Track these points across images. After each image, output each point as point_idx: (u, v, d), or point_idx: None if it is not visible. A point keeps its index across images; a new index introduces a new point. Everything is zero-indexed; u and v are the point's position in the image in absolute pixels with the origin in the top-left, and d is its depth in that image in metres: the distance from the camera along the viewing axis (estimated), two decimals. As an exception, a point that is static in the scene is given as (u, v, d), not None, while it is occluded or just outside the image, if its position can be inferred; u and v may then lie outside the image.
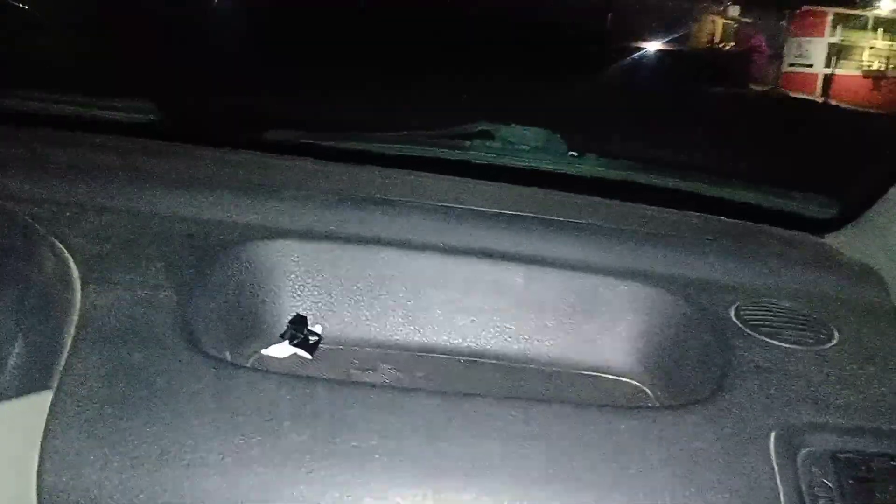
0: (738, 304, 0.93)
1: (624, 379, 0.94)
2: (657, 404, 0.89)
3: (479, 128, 1.26)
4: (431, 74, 1.26)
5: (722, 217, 1.14)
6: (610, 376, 0.95)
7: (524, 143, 1.26)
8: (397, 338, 0.96)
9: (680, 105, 1.20)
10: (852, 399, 0.79)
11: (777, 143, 1.16)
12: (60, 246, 0.84)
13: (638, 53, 1.25)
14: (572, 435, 0.72)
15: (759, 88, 1.25)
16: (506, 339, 0.97)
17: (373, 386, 0.81)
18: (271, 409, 0.70)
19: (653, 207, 1.14)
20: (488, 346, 0.96)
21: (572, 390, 0.92)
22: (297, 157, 1.14)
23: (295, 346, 0.91)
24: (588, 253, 1.01)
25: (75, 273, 0.81)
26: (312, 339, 0.92)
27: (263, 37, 1.36)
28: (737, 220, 1.13)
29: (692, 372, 0.88)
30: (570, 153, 1.24)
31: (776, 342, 0.87)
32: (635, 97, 1.22)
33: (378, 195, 1.07)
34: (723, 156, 1.19)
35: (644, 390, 0.93)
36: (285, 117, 1.22)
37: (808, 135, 1.15)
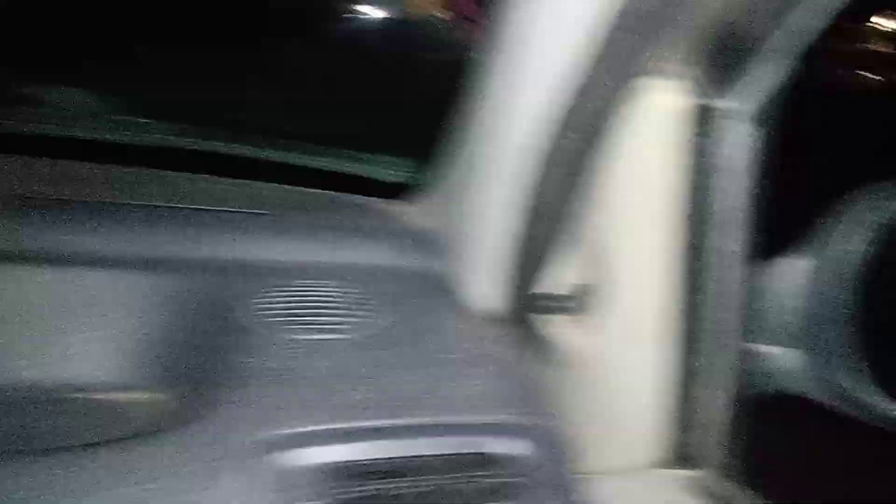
0: (265, 290, 0.80)
1: (144, 395, 0.77)
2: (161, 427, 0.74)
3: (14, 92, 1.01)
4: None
5: (296, 186, 1.01)
6: (126, 394, 0.77)
7: (77, 107, 1.02)
8: None
9: (250, 63, 1.04)
10: (369, 396, 0.69)
11: (355, 105, 1.05)
12: None
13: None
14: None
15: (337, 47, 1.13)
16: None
17: None
18: None
19: (213, 178, 0.97)
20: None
21: (82, 418, 0.73)
22: None
23: None
24: (96, 241, 0.81)
25: None
26: None
27: None
28: (309, 190, 1.01)
29: (202, 381, 0.73)
30: (138, 119, 1.03)
31: (299, 335, 0.75)
32: (193, 55, 1.03)
33: None
34: (297, 118, 1.05)
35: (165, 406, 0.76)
36: None
37: (388, 94, 1.05)
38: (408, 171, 1.02)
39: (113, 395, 0.77)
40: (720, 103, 0.60)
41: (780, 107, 0.62)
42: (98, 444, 0.62)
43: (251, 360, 0.71)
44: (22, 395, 0.74)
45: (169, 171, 0.95)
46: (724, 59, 0.58)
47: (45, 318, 0.76)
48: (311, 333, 0.75)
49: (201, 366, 0.74)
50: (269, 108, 1.03)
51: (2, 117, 0.98)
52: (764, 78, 0.58)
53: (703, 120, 0.61)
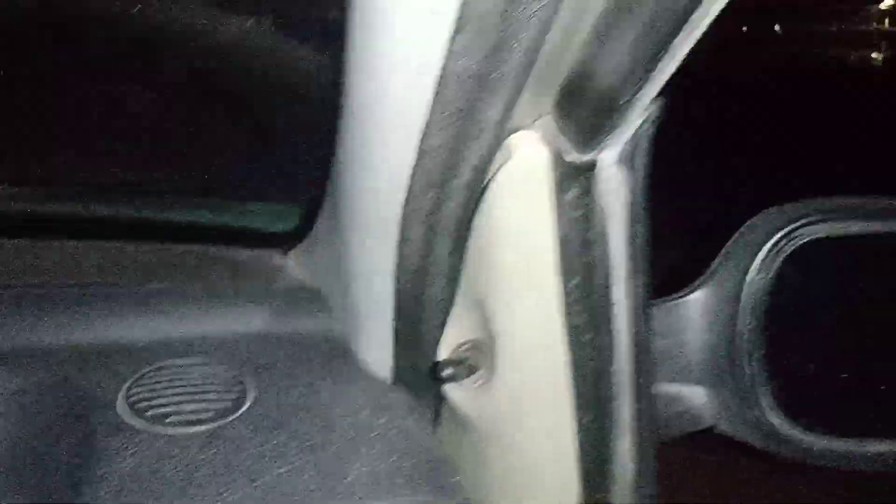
0: (135, 377, 0.72)
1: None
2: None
3: None
4: None
5: (171, 245, 0.92)
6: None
7: None
8: None
9: (108, 109, 0.94)
10: (253, 495, 0.62)
11: (235, 148, 0.97)
12: None
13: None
14: None
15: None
16: None
17: None
18: None
19: (72, 242, 0.87)
20: None
21: None
22: None
23: None
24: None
25: None
26: None
27: None
28: (190, 246, 0.92)
29: (57, 496, 0.65)
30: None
31: (161, 428, 0.67)
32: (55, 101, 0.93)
33: None
34: (170, 170, 0.97)
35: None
36: None
37: (269, 135, 0.98)
38: (289, 219, 0.95)
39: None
40: (589, 154, 0.56)
41: (650, 149, 0.58)
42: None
43: (115, 465, 0.63)
44: None
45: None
46: (587, 110, 0.53)
47: None
48: (185, 425, 0.67)
49: (56, 478, 0.65)
50: (122, 159, 0.94)
51: None
52: (628, 124, 0.54)
53: (574, 172, 0.57)
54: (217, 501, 0.60)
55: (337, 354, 0.80)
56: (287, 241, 0.95)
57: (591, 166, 0.57)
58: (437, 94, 0.50)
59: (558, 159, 0.57)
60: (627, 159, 0.58)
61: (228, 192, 0.96)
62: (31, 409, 0.69)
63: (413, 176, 0.58)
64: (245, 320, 0.83)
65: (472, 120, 0.52)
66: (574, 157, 0.56)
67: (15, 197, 0.89)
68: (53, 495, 0.64)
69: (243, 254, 0.95)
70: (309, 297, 0.87)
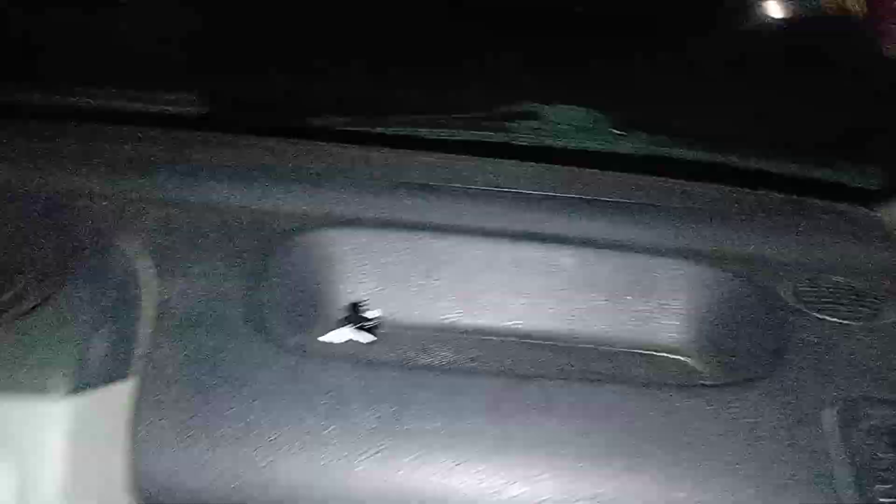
0: (793, 281, 0.94)
1: (677, 356, 0.95)
2: (709, 382, 0.90)
3: (522, 108, 1.26)
4: (470, 52, 1.25)
5: (767, 191, 1.13)
6: (663, 354, 0.96)
7: (568, 122, 1.25)
8: (451, 321, 0.98)
9: (720, 75, 1.18)
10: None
11: (822, 110, 1.13)
12: (129, 241, 0.87)
13: (675, 19, 1.22)
14: (630, 414, 0.75)
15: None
16: (558, 320, 0.98)
17: (432, 369, 0.84)
18: (339, 392, 0.74)
19: (700, 184, 1.14)
20: (540, 328, 0.98)
21: (625, 369, 0.94)
22: (341, 144, 1.15)
23: (354, 330, 0.94)
24: (637, 232, 1.02)
25: (145, 266, 0.84)
26: (371, 323, 0.94)
27: (295, 18, 1.34)
28: (784, 195, 1.13)
29: (746, 350, 0.89)
30: (616, 131, 1.24)
31: (830, 318, 0.87)
32: (676, 68, 1.20)
33: (423, 181, 1.08)
34: (765, 126, 1.17)
35: (696, 368, 0.94)
36: (326, 103, 1.23)
37: (855, 99, 1.12)
38: (883, 178, 1.09)
39: (652, 354, 0.96)
40: None
41: None
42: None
43: (794, 334, 0.85)
44: (587, 347, 0.97)
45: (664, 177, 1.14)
46: None
47: (608, 291, 0.98)
48: (836, 318, 0.88)
49: (745, 337, 0.90)
50: (756, 120, 1.16)
51: (521, 131, 1.24)
52: None
53: None
54: (873, 382, 0.79)
55: None
56: (874, 197, 1.11)
57: None
58: None
59: None
60: None
61: (817, 149, 1.14)
62: (732, 292, 0.95)
63: None
64: (853, 254, 1.00)
65: None
66: None
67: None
68: (755, 343, 0.89)
69: (829, 204, 1.13)
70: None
